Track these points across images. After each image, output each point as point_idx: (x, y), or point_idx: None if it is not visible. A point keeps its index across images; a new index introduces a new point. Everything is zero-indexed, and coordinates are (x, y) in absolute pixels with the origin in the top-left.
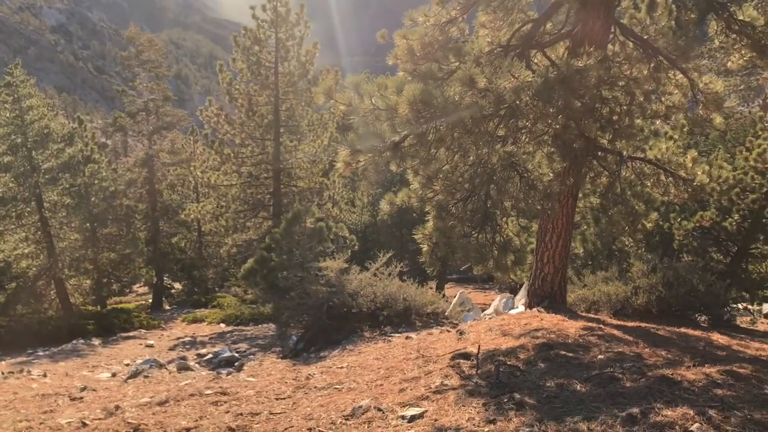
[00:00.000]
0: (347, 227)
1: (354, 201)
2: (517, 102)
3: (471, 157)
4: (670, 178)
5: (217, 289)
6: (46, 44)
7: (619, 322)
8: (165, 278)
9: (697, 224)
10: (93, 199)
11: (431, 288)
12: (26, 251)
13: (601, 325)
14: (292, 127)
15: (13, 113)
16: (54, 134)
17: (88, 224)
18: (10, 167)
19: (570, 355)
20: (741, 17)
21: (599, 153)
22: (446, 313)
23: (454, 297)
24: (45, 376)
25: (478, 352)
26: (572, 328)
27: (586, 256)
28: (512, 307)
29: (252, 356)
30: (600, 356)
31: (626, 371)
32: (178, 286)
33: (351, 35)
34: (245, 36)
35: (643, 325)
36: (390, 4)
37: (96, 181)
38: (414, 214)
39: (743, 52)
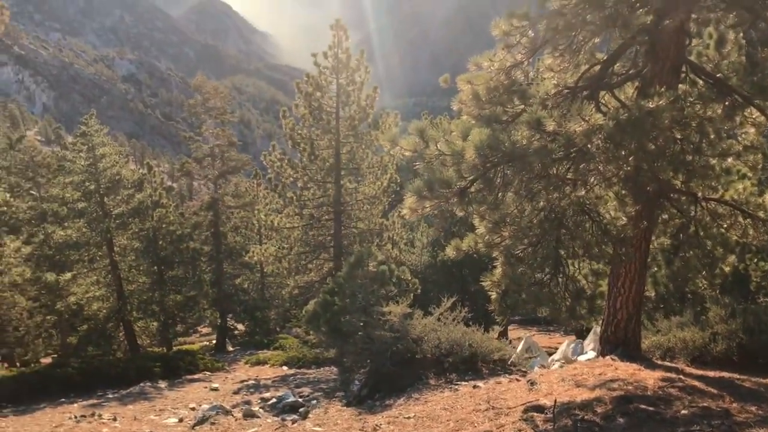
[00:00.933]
0: (409, 269)
1: (413, 241)
2: (588, 145)
3: (540, 202)
4: (749, 220)
5: (278, 330)
6: (117, 93)
7: (699, 372)
8: (228, 319)
9: None
10: (161, 242)
11: (495, 330)
12: (97, 294)
13: (680, 375)
14: (352, 169)
15: (88, 161)
16: (125, 180)
17: (155, 267)
18: (83, 213)
19: (651, 409)
20: None
21: (672, 194)
22: (512, 360)
23: (520, 341)
24: (115, 420)
25: (554, 406)
26: (650, 378)
27: (658, 299)
28: (581, 353)
29: (316, 401)
30: (683, 411)
31: (715, 429)
32: (241, 327)
33: (408, 77)
34: (307, 82)
35: (725, 375)
36: (447, 46)
37: (164, 225)
38: (475, 256)
39: None
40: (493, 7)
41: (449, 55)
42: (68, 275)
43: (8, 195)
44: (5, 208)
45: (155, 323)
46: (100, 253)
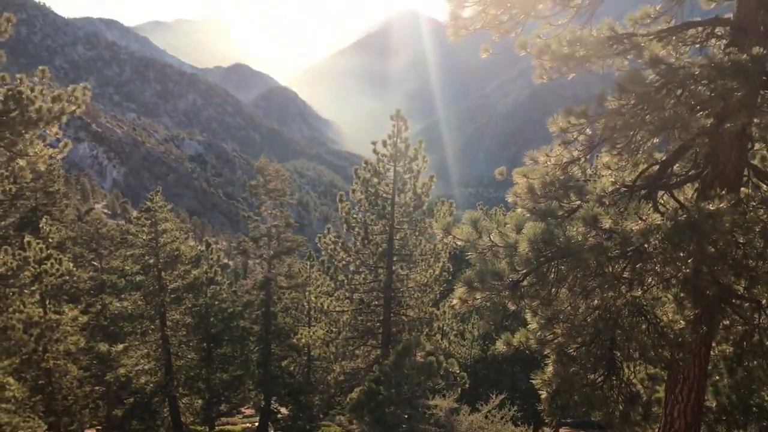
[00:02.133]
0: (457, 362)
1: (464, 333)
2: (645, 245)
3: (595, 300)
4: None
5: (322, 416)
6: (183, 171)
7: None
8: (272, 402)
9: None
10: (212, 319)
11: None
12: (146, 367)
13: None
14: (404, 255)
15: (150, 236)
16: (183, 256)
17: (205, 344)
18: (140, 286)
19: None
20: None
21: (734, 300)
22: None
23: None
24: None
25: None
26: None
27: (720, 410)
28: None
29: None
30: None
31: None
32: (284, 410)
33: (464, 167)
34: (365, 168)
35: None
36: (507, 139)
37: (216, 302)
38: (527, 352)
39: None
40: (556, 102)
41: (508, 148)
42: (120, 347)
43: (72, 265)
44: (68, 278)
45: (200, 401)
46: (152, 327)
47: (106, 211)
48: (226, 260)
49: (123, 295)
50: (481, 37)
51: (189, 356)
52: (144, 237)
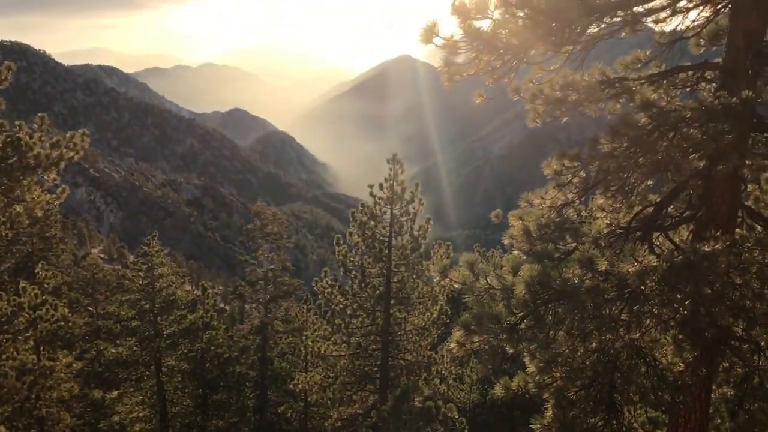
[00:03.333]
0: (456, 407)
1: (463, 377)
2: (642, 287)
3: (593, 343)
4: None
5: None
6: (180, 215)
7: None
8: None
9: None
10: (208, 365)
11: None
12: (141, 414)
13: None
14: (402, 298)
15: (146, 281)
16: (179, 301)
17: (200, 390)
18: (136, 331)
19: None
20: None
21: (733, 342)
22: None
23: None
24: None
25: None
26: None
27: None
28: None
29: None
30: None
31: None
32: None
33: (461, 210)
34: (362, 211)
35: None
36: (500, 183)
37: (212, 348)
38: (527, 396)
39: None
40: (551, 144)
41: (504, 190)
42: (114, 393)
43: (67, 310)
44: (63, 324)
45: None
46: (147, 373)
47: (102, 255)
48: (222, 305)
49: (118, 341)
50: (477, 80)
51: (184, 403)
52: (140, 282)
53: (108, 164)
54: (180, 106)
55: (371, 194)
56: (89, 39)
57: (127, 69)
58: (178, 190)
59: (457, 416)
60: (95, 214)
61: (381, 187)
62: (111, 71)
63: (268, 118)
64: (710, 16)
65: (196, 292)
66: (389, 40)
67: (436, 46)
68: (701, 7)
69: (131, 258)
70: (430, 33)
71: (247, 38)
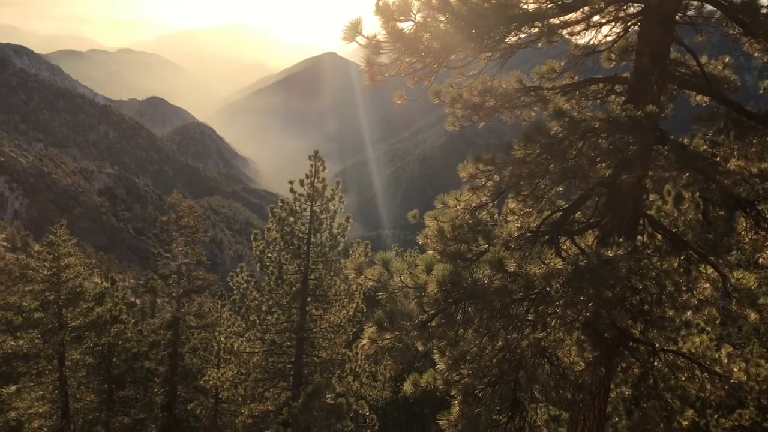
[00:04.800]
0: (368, 404)
1: (376, 375)
2: (548, 288)
3: (500, 341)
4: (705, 374)
5: None
6: (91, 205)
7: None
8: None
9: (737, 423)
10: (115, 359)
11: None
12: (41, 410)
13: None
14: (319, 296)
15: (51, 271)
16: (86, 293)
17: (106, 385)
18: (38, 324)
19: None
20: None
21: (631, 343)
22: None
23: None
24: None
25: None
26: None
27: None
28: None
29: None
30: None
31: None
32: None
33: (382, 210)
34: (281, 207)
35: None
36: (420, 185)
37: (120, 342)
38: (438, 394)
39: None
40: (470, 149)
41: (423, 192)
42: (13, 388)
43: None
44: None
45: None
46: (50, 367)
47: (5, 244)
48: (133, 298)
49: (19, 333)
50: (401, 82)
51: (88, 398)
52: (45, 272)
53: (14, 148)
54: (95, 91)
55: (291, 190)
56: None
57: (38, 50)
58: (90, 178)
59: (368, 413)
60: None
61: (302, 183)
62: (20, 50)
63: (187, 108)
64: (621, 32)
65: (105, 284)
66: (316, 36)
67: (359, 44)
68: (613, 23)
69: (36, 247)
70: (353, 31)
71: (168, 25)
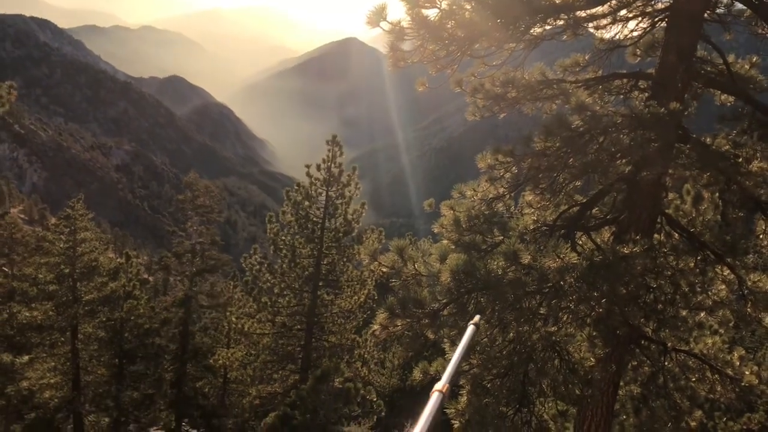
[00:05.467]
0: (375, 390)
1: (384, 362)
2: (561, 282)
3: (511, 333)
4: (716, 376)
5: None
6: (109, 181)
7: None
8: (183, 424)
9: (745, 427)
10: (126, 335)
11: None
12: (52, 381)
13: None
14: (331, 281)
15: (67, 244)
16: (101, 267)
17: (117, 360)
18: (53, 296)
19: None
20: None
21: (642, 342)
22: None
23: None
24: None
25: None
26: None
27: None
28: None
29: None
30: None
31: None
32: None
33: (397, 198)
34: (297, 191)
35: None
36: (437, 174)
37: (132, 318)
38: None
39: None
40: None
41: (440, 181)
42: (26, 358)
43: None
44: None
45: (107, 419)
46: (62, 339)
47: (22, 216)
48: (146, 275)
49: (33, 304)
50: (422, 70)
51: (99, 372)
52: (61, 245)
53: (35, 122)
54: (116, 68)
55: (308, 174)
56: None
57: (62, 24)
58: (108, 154)
59: (375, 398)
60: (17, 173)
61: (318, 168)
62: (44, 24)
63: (207, 88)
64: (647, 27)
65: (119, 260)
66: (338, 20)
67: (383, 30)
68: (639, 18)
69: (53, 220)
70: (378, 16)
71: (190, 3)
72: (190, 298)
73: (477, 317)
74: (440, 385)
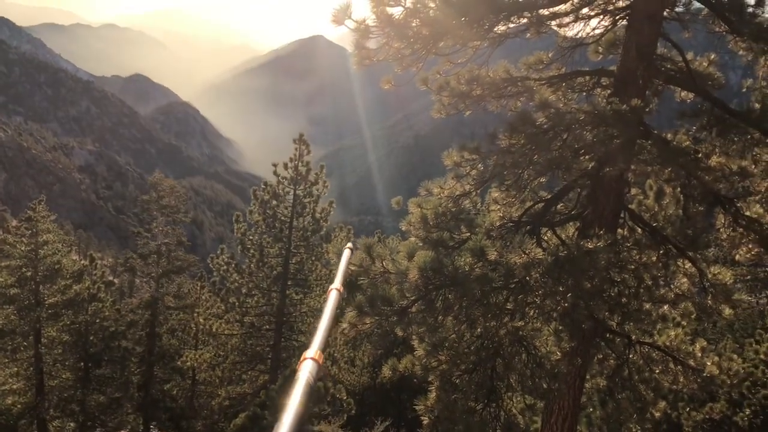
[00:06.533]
0: (345, 389)
1: (354, 360)
2: (527, 278)
3: (478, 329)
4: (679, 367)
5: None
6: (71, 182)
7: None
8: (151, 427)
9: (707, 416)
10: (92, 338)
11: None
12: (15, 387)
13: None
14: (299, 280)
15: (29, 247)
16: (64, 270)
17: (82, 363)
18: (14, 300)
19: None
20: (748, 213)
21: (608, 335)
22: None
23: None
24: None
25: None
26: None
27: None
28: None
29: None
30: None
31: None
32: None
33: (365, 196)
34: (264, 190)
35: None
36: (405, 172)
37: (97, 320)
38: (415, 381)
39: (750, 246)
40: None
41: (408, 179)
42: None
43: None
44: None
45: (72, 424)
46: (25, 344)
47: None
48: (111, 277)
49: None
50: (388, 68)
51: (63, 376)
52: (22, 248)
53: None
54: (77, 66)
55: (275, 173)
56: None
57: (20, 22)
58: (71, 155)
59: (345, 397)
60: None
61: (286, 166)
62: (1, 22)
63: (171, 87)
64: (609, 26)
65: (83, 262)
66: (304, 19)
67: (349, 28)
68: (601, 17)
69: (14, 222)
70: (343, 14)
71: (153, 2)
72: (157, 299)
73: (350, 243)
74: (312, 352)
